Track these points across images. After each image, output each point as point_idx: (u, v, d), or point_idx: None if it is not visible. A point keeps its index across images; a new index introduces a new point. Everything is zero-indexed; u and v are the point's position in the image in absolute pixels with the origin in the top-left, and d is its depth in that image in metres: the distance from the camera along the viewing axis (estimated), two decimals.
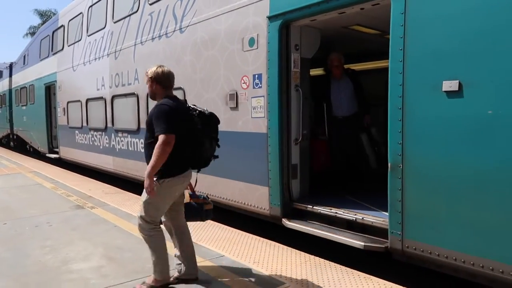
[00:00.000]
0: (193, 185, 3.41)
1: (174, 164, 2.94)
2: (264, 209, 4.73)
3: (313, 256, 3.79)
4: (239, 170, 5.10)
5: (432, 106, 3.09)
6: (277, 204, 4.56)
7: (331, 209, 4.21)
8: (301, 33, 4.60)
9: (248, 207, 4.96)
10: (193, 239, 3.42)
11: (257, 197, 4.81)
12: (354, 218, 4.00)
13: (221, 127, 5.21)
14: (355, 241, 3.76)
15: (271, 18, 4.53)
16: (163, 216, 3.19)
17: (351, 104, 5.10)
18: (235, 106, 5.07)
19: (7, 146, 19.72)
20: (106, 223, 5.07)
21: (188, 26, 5.94)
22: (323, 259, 3.71)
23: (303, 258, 3.76)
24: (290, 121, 4.57)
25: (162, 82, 3.12)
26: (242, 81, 4.96)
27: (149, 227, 3.02)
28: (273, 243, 4.22)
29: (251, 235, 4.51)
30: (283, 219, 4.48)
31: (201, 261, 3.65)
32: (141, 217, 3.01)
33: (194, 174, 3.32)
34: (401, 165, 3.30)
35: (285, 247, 4.09)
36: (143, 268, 3.54)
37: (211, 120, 3.26)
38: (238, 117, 5.05)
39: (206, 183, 5.58)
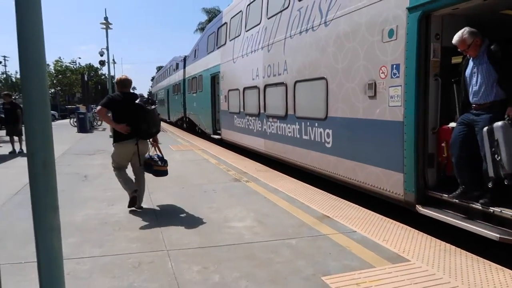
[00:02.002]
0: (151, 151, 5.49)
1: (117, 134, 5.18)
2: (399, 194, 4.95)
3: (440, 240, 3.94)
4: (376, 155, 5.40)
5: None
6: (411, 191, 4.74)
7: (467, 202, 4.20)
8: (442, 22, 4.60)
9: (382, 191, 5.25)
10: (330, 216, 3.99)
11: (392, 182, 5.06)
12: (492, 211, 3.94)
13: (359, 115, 5.64)
14: (491, 233, 3.75)
15: (410, 10, 4.65)
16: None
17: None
18: (373, 95, 5.34)
19: (180, 127, 23.45)
20: (257, 194, 6.03)
21: (332, 19, 6.37)
22: (452, 245, 3.82)
23: (432, 241, 3.94)
24: (428, 110, 4.66)
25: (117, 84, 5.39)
26: (381, 71, 5.20)
27: (113, 169, 5.36)
28: (401, 224, 4.48)
29: (381, 216, 4.83)
30: (417, 205, 4.65)
31: (334, 233, 4.21)
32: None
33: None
34: None
35: (413, 229, 4.31)
36: (285, 231, 4.28)
37: (149, 112, 5.08)
38: (375, 105, 5.33)
39: (345, 167, 6.07)
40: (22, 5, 1.88)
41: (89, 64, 61.79)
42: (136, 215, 5.03)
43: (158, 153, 5.49)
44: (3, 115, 12.26)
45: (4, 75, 57.45)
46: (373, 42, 5.34)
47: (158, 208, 5.34)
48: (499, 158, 3.72)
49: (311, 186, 6.59)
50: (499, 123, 3.74)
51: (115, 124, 5.11)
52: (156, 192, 6.20)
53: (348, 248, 3.77)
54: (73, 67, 56.41)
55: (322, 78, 6.65)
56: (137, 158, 5.28)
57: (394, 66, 4.97)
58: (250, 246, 3.89)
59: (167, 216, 4.99)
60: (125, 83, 5.30)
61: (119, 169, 5.34)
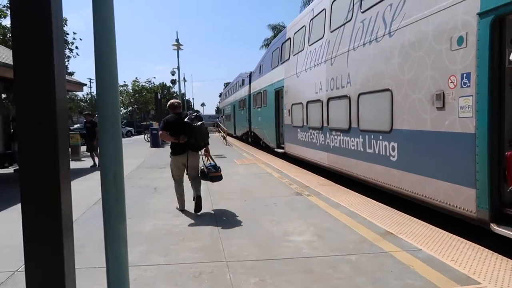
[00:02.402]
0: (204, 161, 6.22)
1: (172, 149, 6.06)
2: (470, 211, 4.60)
3: None
4: (445, 170, 5.08)
5: None
6: (485, 208, 4.39)
7: None
8: None
9: (452, 208, 4.91)
10: (394, 232, 3.83)
11: (463, 198, 4.72)
12: None
13: (426, 127, 5.38)
14: None
15: (481, 15, 4.38)
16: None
17: None
18: (442, 106, 5.07)
19: (245, 141, 23.94)
20: (318, 208, 5.96)
21: (396, 30, 6.19)
22: None
23: (507, 263, 3.60)
24: (503, 120, 4.31)
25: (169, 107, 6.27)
26: (449, 81, 4.93)
27: (174, 181, 6.21)
28: (473, 244, 4.15)
29: (450, 234, 4.51)
30: (491, 224, 4.29)
31: (397, 251, 4.02)
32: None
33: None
34: None
35: (486, 249, 3.97)
36: (345, 247, 4.18)
37: (195, 128, 5.75)
38: (444, 117, 5.04)
39: (411, 181, 5.79)
40: (100, 34, 2.11)
41: (163, 83, 65.73)
42: (199, 225, 5.23)
43: (211, 162, 6.19)
44: (84, 131, 13.48)
45: (89, 96, 63.09)
46: (441, 50, 5.09)
47: (220, 220, 5.50)
48: None
49: (374, 201, 6.36)
50: None
51: (174, 138, 5.92)
52: (219, 205, 6.39)
53: (412, 267, 3.57)
54: (148, 86, 60.42)
55: (387, 89, 6.45)
56: (188, 168, 6.09)
57: (465, 75, 4.68)
58: (308, 260, 3.85)
59: (229, 227, 5.11)
60: (175, 105, 6.24)
61: (177, 182, 6.20)
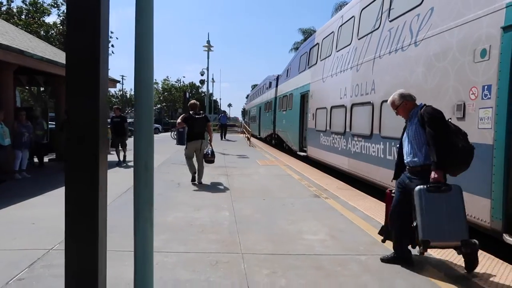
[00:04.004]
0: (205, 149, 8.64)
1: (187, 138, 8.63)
2: (485, 221, 4.66)
3: None
4: (461, 179, 5.12)
5: None
6: (499, 218, 4.44)
7: None
8: None
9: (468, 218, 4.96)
10: None
11: (478, 208, 4.77)
12: None
13: None
14: None
15: (505, 29, 4.44)
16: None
17: None
18: (462, 116, 5.14)
19: (269, 143, 24.16)
20: (334, 211, 6.11)
21: (422, 39, 6.27)
22: None
23: None
24: None
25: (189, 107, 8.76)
26: (471, 92, 4.99)
27: (185, 158, 8.55)
28: (483, 252, 4.21)
29: None
30: (504, 234, 4.34)
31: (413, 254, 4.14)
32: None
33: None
34: None
35: (497, 259, 4.04)
36: (356, 248, 4.33)
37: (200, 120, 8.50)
38: (464, 127, 5.07)
39: None
40: (140, 35, 2.38)
41: (192, 82, 66.93)
42: (218, 219, 5.48)
43: (212, 148, 8.74)
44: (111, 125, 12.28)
45: (121, 92, 64.99)
46: (464, 62, 5.16)
47: (238, 216, 5.74)
48: (415, 224, 3.54)
49: None
50: (416, 188, 3.55)
51: (184, 125, 8.73)
52: (239, 202, 6.63)
53: (420, 270, 3.70)
54: (178, 85, 61.68)
55: None
56: (199, 152, 8.54)
57: (486, 87, 4.75)
58: (319, 257, 4.03)
59: (246, 223, 5.34)
60: (193, 105, 8.72)
61: (188, 158, 8.53)
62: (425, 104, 3.89)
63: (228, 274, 3.59)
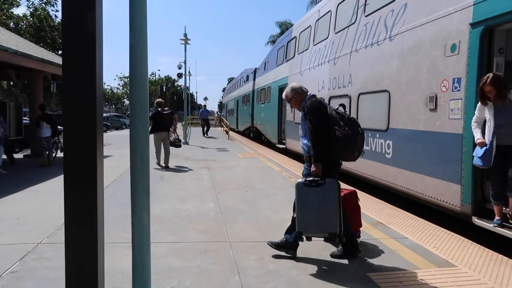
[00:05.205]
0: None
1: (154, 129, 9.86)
2: (455, 205, 4.99)
3: (492, 251, 3.98)
4: (434, 167, 5.47)
5: None
6: (468, 202, 4.78)
7: None
8: (507, 36, 4.63)
9: (439, 202, 5.30)
10: (384, 223, 4.22)
11: (450, 194, 5.11)
12: None
13: (420, 127, 5.76)
14: None
15: (473, 25, 4.74)
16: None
17: None
18: (434, 107, 5.44)
19: (247, 136, 24.32)
20: None
21: (397, 34, 6.55)
22: (504, 256, 3.85)
23: (484, 251, 3.99)
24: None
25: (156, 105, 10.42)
26: (442, 85, 5.30)
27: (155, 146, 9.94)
28: (455, 234, 4.55)
29: (435, 226, 4.91)
30: (473, 217, 4.68)
31: (386, 238, 4.42)
32: None
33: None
34: None
35: (466, 239, 4.37)
36: None
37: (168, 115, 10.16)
38: (436, 118, 5.42)
39: (404, 177, 6.17)
40: (134, 32, 2.48)
41: (168, 76, 66.11)
42: (204, 211, 5.62)
43: (177, 136, 10.54)
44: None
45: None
46: (436, 56, 5.46)
47: (223, 207, 5.89)
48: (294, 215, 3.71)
49: (369, 195, 6.75)
50: (297, 181, 3.72)
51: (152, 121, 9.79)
52: (223, 194, 6.78)
53: (397, 252, 3.97)
54: (153, 78, 60.75)
55: (385, 90, 6.82)
56: (166, 140, 10.11)
57: (456, 79, 5.06)
58: (303, 244, 4.24)
59: (232, 213, 5.51)
60: (160, 103, 10.33)
61: (158, 149, 9.98)
62: (312, 96, 3.92)
63: (218, 261, 3.75)
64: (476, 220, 4.61)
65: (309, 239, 3.67)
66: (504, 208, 4.36)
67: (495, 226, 4.31)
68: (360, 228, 4.26)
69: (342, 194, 3.76)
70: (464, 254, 3.91)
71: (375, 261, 3.75)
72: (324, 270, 3.56)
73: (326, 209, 3.54)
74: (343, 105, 3.89)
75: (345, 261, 3.75)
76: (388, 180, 6.66)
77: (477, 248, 4.10)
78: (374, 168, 7.20)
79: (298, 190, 3.65)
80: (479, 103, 4.41)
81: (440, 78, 5.35)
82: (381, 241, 4.30)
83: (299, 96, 4.01)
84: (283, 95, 4.22)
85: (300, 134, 4.08)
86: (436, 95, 5.42)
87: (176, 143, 10.52)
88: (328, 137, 3.56)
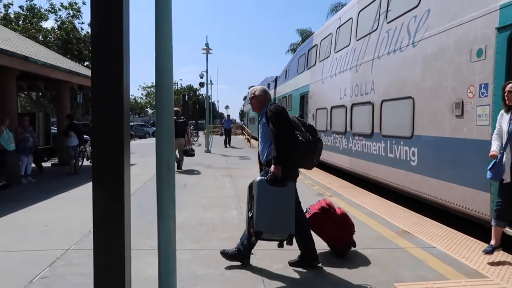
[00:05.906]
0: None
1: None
2: (485, 214, 4.84)
3: None
4: (461, 174, 5.33)
5: None
6: None
7: None
8: None
9: (467, 211, 5.16)
10: (410, 231, 4.14)
11: (478, 202, 4.96)
12: None
13: (446, 134, 5.64)
14: None
15: (500, 29, 4.64)
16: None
17: None
18: (461, 114, 5.33)
19: None
20: None
21: (420, 40, 6.47)
22: None
23: None
24: None
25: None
26: (468, 91, 5.19)
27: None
28: (482, 243, 4.41)
29: (464, 235, 4.78)
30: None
31: (412, 247, 4.33)
32: None
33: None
34: None
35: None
36: (361, 242, 4.48)
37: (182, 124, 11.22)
38: (462, 124, 5.30)
39: (430, 185, 6.04)
40: (160, 42, 2.54)
41: (189, 85, 67.12)
42: (227, 219, 5.65)
43: (190, 147, 11.64)
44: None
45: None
46: (461, 61, 5.36)
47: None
48: (251, 214, 3.61)
49: (393, 203, 6.64)
50: (257, 178, 3.62)
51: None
52: (245, 201, 6.77)
53: (425, 261, 3.88)
54: (175, 88, 61.80)
55: (409, 97, 6.73)
56: (182, 147, 11.27)
57: (483, 85, 4.94)
58: (326, 253, 4.20)
59: None
60: (176, 112, 10.45)
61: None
62: (273, 103, 3.87)
63: (242, 269, 3.76)
64: (508, 230, 4.46)
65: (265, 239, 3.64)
66: None
67: None
68: (386, 236, 4.19)
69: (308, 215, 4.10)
70: (496, 264, 3.78)
71: (402, 270, 3.68)
72: (346, 283, 3.50)
73: (286, 209, 3.55)
74: (301, 115, 3.96)
75: (372, 271, 3.68)
76: (413, 188, 6.53)
77: (510, 258, 3.97)
78: (398, 176, 7.08)
79: (260, 187, 3.56)
80: (499, 114, 4.22)
81: (466, 84, 5.24)
82: (407, 250, 4.21)
83: (265, 99, 4.02)
84: (251, 89, 4.20)
85: (259, 141, 4.06)
86: (462, 101, 5.31)
87: (190, 153, 11.48)
88: (292, 140, 3.60)
